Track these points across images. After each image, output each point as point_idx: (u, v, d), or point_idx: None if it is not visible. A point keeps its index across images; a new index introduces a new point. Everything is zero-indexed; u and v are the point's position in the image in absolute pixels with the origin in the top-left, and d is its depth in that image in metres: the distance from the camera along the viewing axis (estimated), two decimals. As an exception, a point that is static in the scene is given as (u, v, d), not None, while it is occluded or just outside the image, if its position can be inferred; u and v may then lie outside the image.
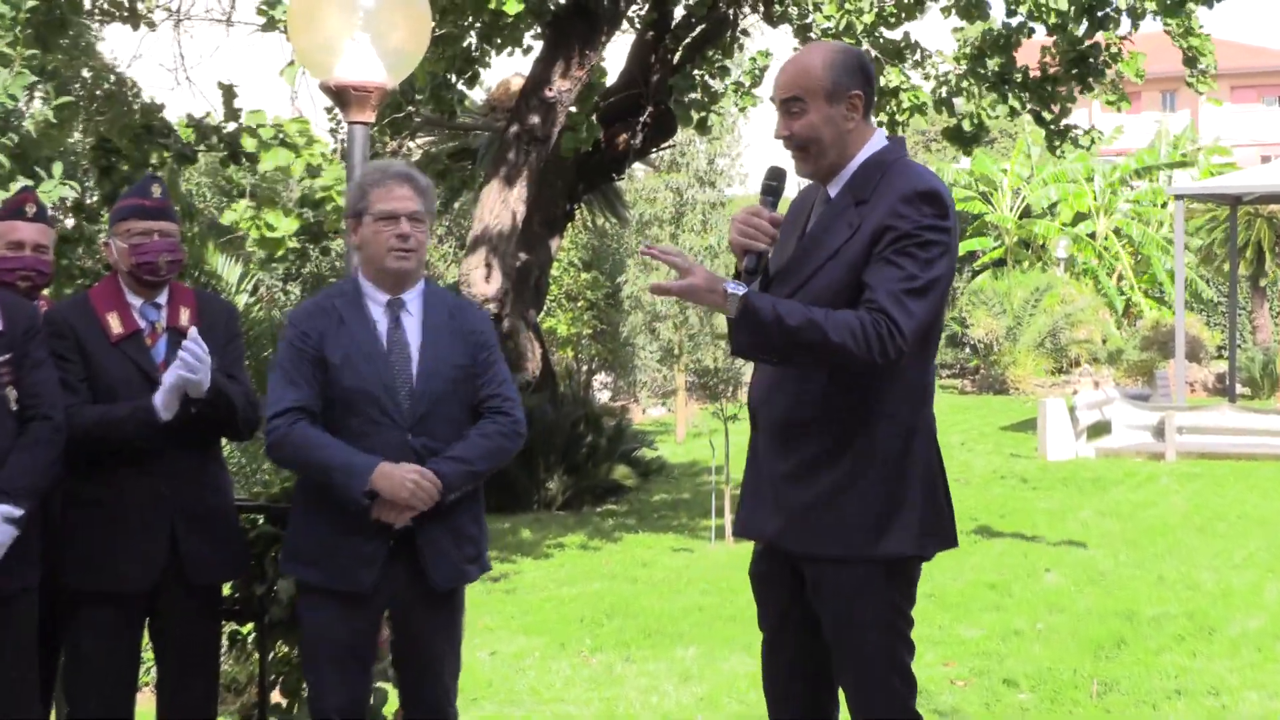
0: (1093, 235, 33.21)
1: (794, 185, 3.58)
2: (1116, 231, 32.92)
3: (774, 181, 3.35)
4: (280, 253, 10.20)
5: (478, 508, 3.88)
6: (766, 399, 3.34)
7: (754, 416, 3.41)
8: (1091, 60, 12.45)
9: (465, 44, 12.67)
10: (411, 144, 14.38)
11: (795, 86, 3.30)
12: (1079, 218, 33.88)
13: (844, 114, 3.30)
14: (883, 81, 12.57)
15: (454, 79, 13.07)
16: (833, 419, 3.22)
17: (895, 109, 12.77)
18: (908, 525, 3.22)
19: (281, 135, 9.87)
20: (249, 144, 9.84)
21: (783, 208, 3.43)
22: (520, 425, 3.87)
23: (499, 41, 12.53)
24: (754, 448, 3.42)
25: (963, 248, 34.40)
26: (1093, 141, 13.54)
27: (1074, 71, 12.49)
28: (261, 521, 4.26)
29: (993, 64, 12.40)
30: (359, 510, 3.64)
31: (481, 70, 13.20)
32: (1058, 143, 13.28)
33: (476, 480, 3.79)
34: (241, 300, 11.93)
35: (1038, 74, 12.76)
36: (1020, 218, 34.35)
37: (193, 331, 3.79)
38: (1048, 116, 12.96)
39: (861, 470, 3.21)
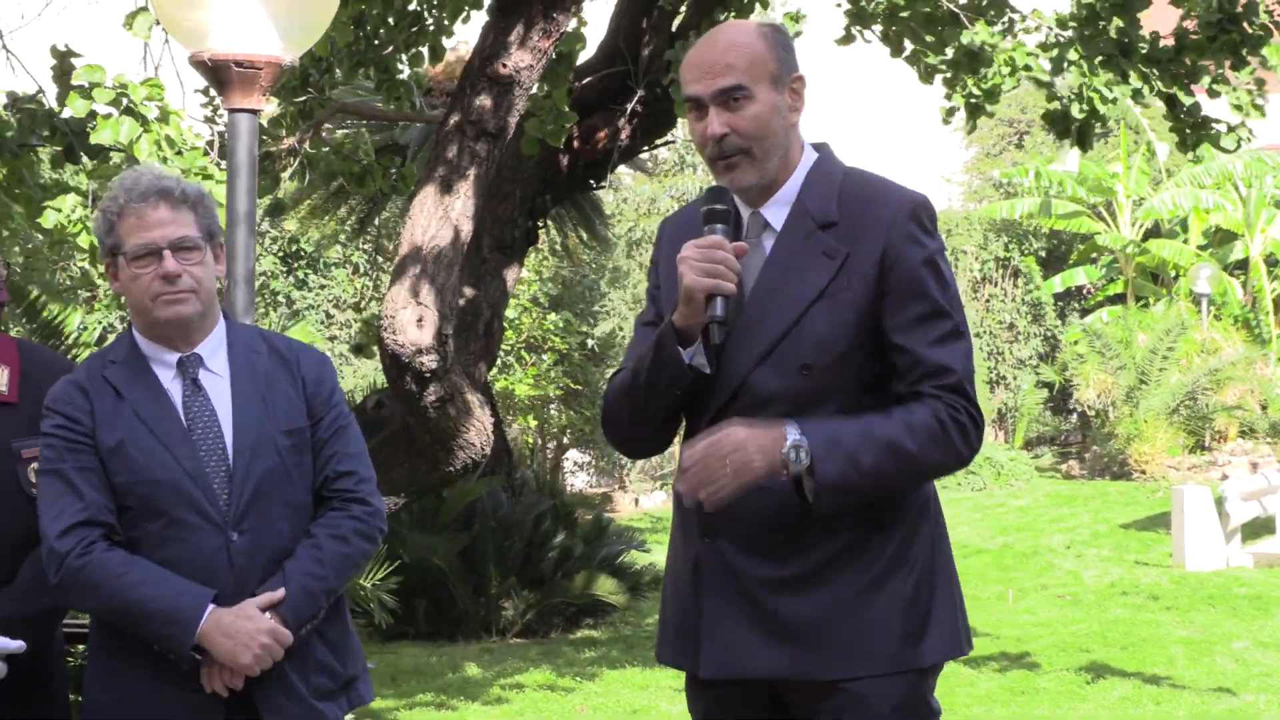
0: (1244, 263, 33.23)
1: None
2: (1269, 260, 32.90)
3: (720, 205, 3.48)
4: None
5: (337, 619, 3.88)
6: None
7: (706, 516, 3.43)
8: (1245, 24, 12.32)
9: (409, 6, 12.66)
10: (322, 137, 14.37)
11: (735, 70, 3.42)
12: (1225, 237, 33.94)
13: (790, 105, 3.48)
14: (964, 39, 12.51)
15: (403, 57, 13.03)
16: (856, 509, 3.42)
17: (987, 75, 12.65)
18: (945, 622, 3.47)
19: (127, 101, 9.55)
20: (78, 107, 9.54)
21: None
22: (380, 518, 3.90)
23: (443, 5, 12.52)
24: (716, 555, 3.47)
25: (1065, 279, 34.43)
26: (1239, 142, 13.51)
27: (1221, 37, 12.39)
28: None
29: (1112, 28, 12.38)
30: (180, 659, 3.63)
31: (439, 45, 13.15)
32: (1192, 138, 13.28)
33: (331, 600, 3.80)
34: (84, 356, 11.89)
35: (1171, 42, 12.72)
36: (1143, 239, 34.42)
37: None
38: (1185, 101, 12.90)
39: (895, 564, 3.40)
